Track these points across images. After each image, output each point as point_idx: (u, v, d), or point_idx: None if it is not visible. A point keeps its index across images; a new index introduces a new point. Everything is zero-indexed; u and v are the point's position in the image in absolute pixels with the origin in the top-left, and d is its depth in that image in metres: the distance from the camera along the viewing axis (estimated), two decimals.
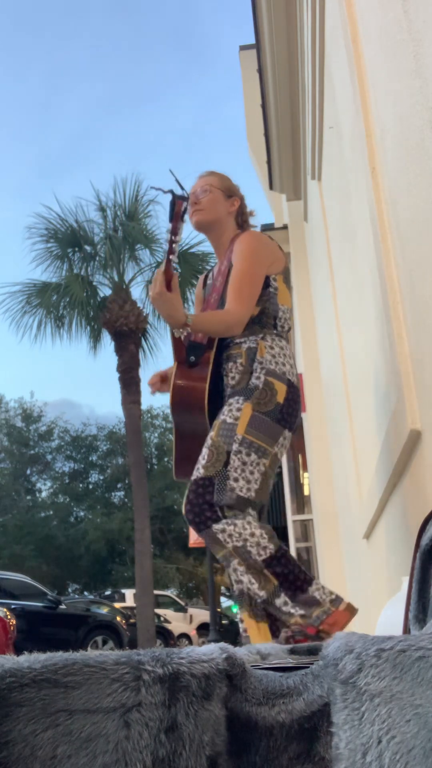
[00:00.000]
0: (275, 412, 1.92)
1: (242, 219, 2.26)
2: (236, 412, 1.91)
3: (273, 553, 1.79)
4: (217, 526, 1.82)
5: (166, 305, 1.88)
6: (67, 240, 11.77)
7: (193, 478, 1.89)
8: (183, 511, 1.91)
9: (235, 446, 1.86)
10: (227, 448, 1.87)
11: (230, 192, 2.22)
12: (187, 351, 2.07)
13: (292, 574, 1.79)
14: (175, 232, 1.86)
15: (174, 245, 1.89)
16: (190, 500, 1.87)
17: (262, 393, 1.93)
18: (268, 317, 2.04)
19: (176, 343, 2.08)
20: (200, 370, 2.04)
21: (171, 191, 1.84)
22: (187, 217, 1.90)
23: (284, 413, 1.93)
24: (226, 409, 1.94)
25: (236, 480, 1.84)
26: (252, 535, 1.80)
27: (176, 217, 1.83)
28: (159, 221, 12.41)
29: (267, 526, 1.85)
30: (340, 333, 3.63)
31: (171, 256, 1.89)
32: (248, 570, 1.79)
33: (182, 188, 1.86)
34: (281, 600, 1.76)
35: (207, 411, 2.00)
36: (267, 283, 2.06)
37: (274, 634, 1.78)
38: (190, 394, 2.02)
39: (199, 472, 1.88)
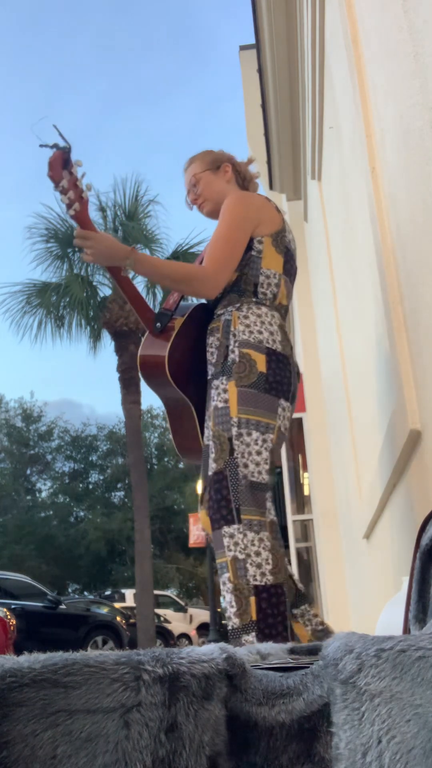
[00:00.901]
0: (261, 382, 1.78)
1: (243, 179, 2.14)
2: (224, 393, 1.79)
3: (269, 584, 1.64)
4: (227, 530, 1.70)
5: (100, 241, 1.76)
6: (67, 240, 11.77)
7: (209, 474, 1.80)
8: (204, 504, 1.80)
9: (234, 430, 1.75)
10: (228, 435, 1.75)
11: (216, 163, 2.10)
12: (154, 319, 1.95)
13: (274, 619, 1.63)
14: (55, 182, 1.76)
15: (63, 196, 1.77)
16: (211, 496, 1.75)
17: (239, 366, 1.79)
18: (247, 284, 1.89)
19: (140, 311, 1.94)
20: (165, 337, 1.91)
21: (55, 144, 1.77)
22: (75, 168, 1.78)
23: (272, 382, 1.79)
24: (213, 393, 1.83)
25: (246, 466, 1.72)
26: (257, 554, 1.67)
27: (51, 167, 1.76)
28: (159, 221, 12.44)
29: (281, 551, 1.71)
30: (340, 333, 3.63)
31: (69, 211, 1.78)
32: (234, 590, 1.65)
33: (65, 140, 1.77)
34: (249, 638, 1.61)
35: (185, 384, 1.89)
36: (250, 246, 1.90)
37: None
38: (155, 365, 1.89)
39: (212, 467, 1.78)
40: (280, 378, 1.82)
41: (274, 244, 1.94)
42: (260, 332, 1.83)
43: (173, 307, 1.97)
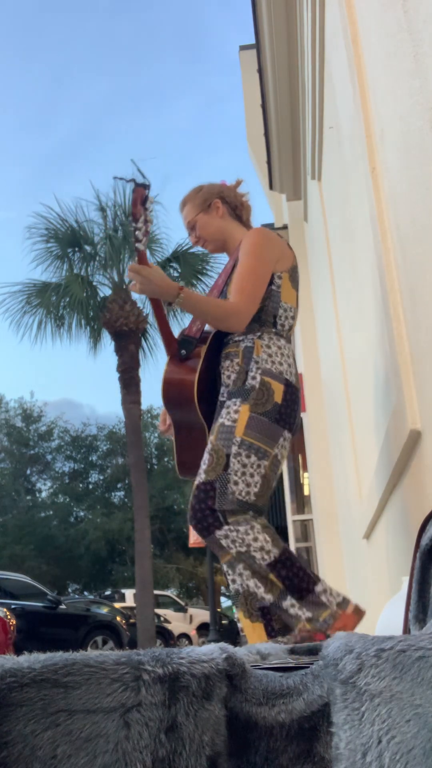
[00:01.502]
0: (273, 412, 1.88)
1: (235, 209, 2.19)
2: (234, 414, 1.88)
3: (277, 557, 1.77)
4: (219, 532, 1.80)
5: (152, 276, 1.85)
6: (67, 240, 11.77)
7: (195, 483, 1.87)
8: (188, 516, 1.89)
9: (234, 449, 1.83)
10: (227, 451, 1.84)
11: (207, 202, 2.17)
12: (179, 345, 2.04)
13: (297, 576, 1.77)
14: (135, 218, 1.88)
15: (137, 232, 1.89)
16: (193, 506, 1.85)
17: (258, 393, 1.89)
18: (267, 315, 1.99)
19: (167, 337, 2.05)
20: (191, 363, 2.01)
21: (133, 180, 1.87)
22: (149, 204, 1.89)
23: (282, 413, 1.90)
24: (224, 411, 1.91)
25: (236, 483, 1.81)
26: (255, 540, 1.77)
27: (135, 203, 1.87)
28: (159, 221, 12.43)
29: (271, 528, 1.83)
30: (340, 333, 3.63)
31: (137, 244, 1.89)
32: (253, 575, 1.77)
33: (144, 176, 1.89)
34: (288, 602, 1.74)
35: (198, 407, 1.97)
36: (271, 281, 2.01)
37: (270, 634, 1.77)
38: (179, 388, 1.98)
39: (200, 477, 1.86)
40: (290, 411, 1.92)
41: (291, 279, 2.07)
42: (281, 363, 1.95)
43: (197, 335, 2.07)
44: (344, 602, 1.77)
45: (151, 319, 12.00)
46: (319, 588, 1.77)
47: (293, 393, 1.94)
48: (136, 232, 1.89)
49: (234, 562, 1.79)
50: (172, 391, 2.00)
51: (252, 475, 1.83)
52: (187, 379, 1.98)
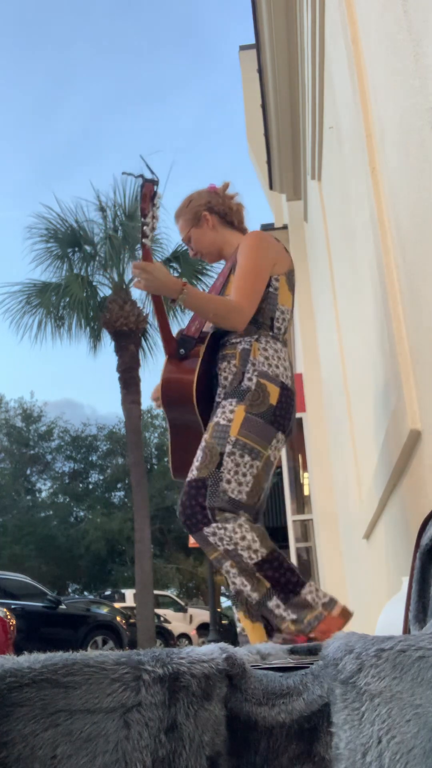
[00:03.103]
0: (268, 414, 1.89)
1: (225, 215, 2.19)
2: (229, 414, 1.89)
3: (264, 556, 1.77)
4: (207, 529, 1.81)
5: (156, 273, 1.86)
6: (67, 240, 11.77)
7: (186, 479, 1.89)
8: (177, 512, 1.90)
9: (228, 448, 1.85)
10: (220, 450, 1.85)
11: (197, 216, 2.18)
12: (177, 344, 2.05)
13: (284, 577, 1.77)
14: (143, 214, 1.88)
15: (145, 227, 1.88)
16: (183, 502, 1.86)
17: (254, 395, 1.90)
18: (264, 318, 2.01)
19: (166, 336, 2.06)
20: (190, 363, 2.02)
21: (141, 176, 1.86)
22: (158, 200, 1.89)
23: (277, 416, 1.91)
24: (219, 411, 1.92)
25: (228, 482, 1.83)
26: (243, 538, 1.78)
27: (144, 199, 1.86)
28: (159, 221, 12.39)
29: (260, 528, 1.84)
30: (340, 333, 3.63)
31: (144, 240, 1.89)
32: (241, 572, 1.78)
33: (152, 172, 1.88)
34: (273, 603, 1.75)
35: (197, 406, 1.98)
36: (268, 283, 2.02)
37: (270, 634, 1.77)
38: (179, 387, 1.99)
39: (192, 473, 1.87)
40: (284, 413, 1.94)
41: (288, 282, 2.08)
42: (277, 366, 1.96)
43: (196, 334, 2.07)
44: (330, 603, 1.77)
45: (151, 318, 12.01)
46: (305, 589, 1.77)
47: (288, 396, 1.96)
48: (144, 228, 1.88)
49: (221, 559, 1.80)
50: (171, 391, 2.01)
51: (244, 475, 1.84)
52: (186, 379, 1.99)
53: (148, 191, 1.86)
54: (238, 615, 1.83)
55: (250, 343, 1.98)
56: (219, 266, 2.36)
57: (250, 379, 1.93)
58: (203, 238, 2.18)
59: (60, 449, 27.63)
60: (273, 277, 2.03)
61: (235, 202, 2.24)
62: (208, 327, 2.12)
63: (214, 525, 1.80)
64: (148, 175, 1.87)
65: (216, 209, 2.18)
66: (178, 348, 2.04)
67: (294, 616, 1.73)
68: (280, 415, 1.92)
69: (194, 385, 1.97)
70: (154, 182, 1.86)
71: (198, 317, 2.10)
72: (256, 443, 1.87)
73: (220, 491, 1.82)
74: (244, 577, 1.77)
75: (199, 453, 1.89)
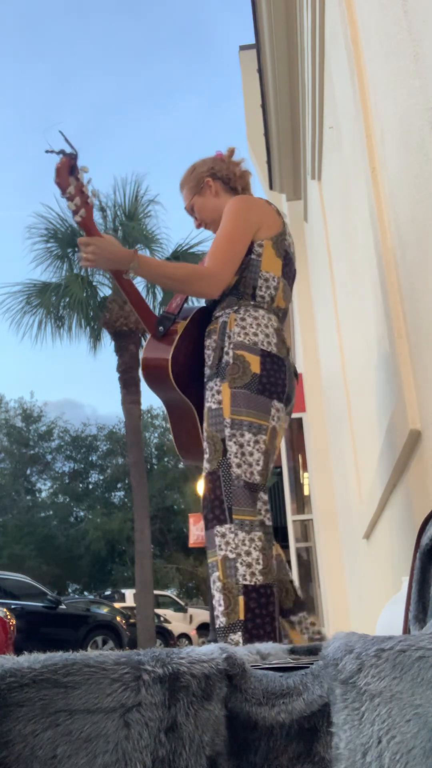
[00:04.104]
0: (254, 383, 1.78)
1: (229, 181, 2.11)
2: (217, 395, 1.80)
3: (258, 584, 1.64)
4: (219, 529, 1.71)
5: (101, 245, 1.76)
6: (67, 240, 11.76)
7: (204, 473, 1.82)
8: (201, 504, 1.81)
9: (227, 431, 1.76)
10: (221, 436, 1.76)
11: (200, 183, 2.09)
12: (156, 322, 1.96)
13: (262, 619, 1.62)
14: (62, 188, 1.79)
15: (69, 203, 1.79)
16: (205, 495, 1.77)
17: (233, 368, 1.80)
18: (246, 287, 1.89)
19: (143, 314, 1.96)
20: (168, 341, 1.93)
21: (62, 151, 1.79)
22: (82, 174, 1.80)
23: (264, 383, 1.79)
24: (208, 394, 1.84)
25: (239, 466, 1.73)
26: (248, 554, 1.67)
27: (58, 173, 1.78)
28: (159, 221, 12.43)
29: (271, 553, 1.72)
30: (340, 333, 3.63)
31: (75, 217, 1.80)
32: (223, 588, 1.66)
33: (72, 147, 1.80)
34: (235, 638, 1.61)
35: (176, 384, 1.89)
36: (250, 249, 1.90)
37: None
38: (156, 369, 1.91)
39: (206, 467, 1.79)
40: (274, 379, 1.82)
41: (275, 247, 1.94)
42: (255, 334, 1.84)
43: (176, 310, 1.98)
44: None
45: None
46: (286, 647, 1.66)
47: (274, 362, 1.83)
48: (69, 203, 1.78)
49: (214, 567, 1.70)
50: (149, 371, 1.92)
51: (251, 453, 1.75)
52: (162, 358, 1.90)
53: (63, 165, 1.77)
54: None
55: (228, 316, 1.88)
56: None
57: (227, 353, 1.83)
58: (206, 206, 2.09)
59: (60, 449, 27.65)
60: (256, 242, 1.91)
61: (240, 168, 2.15)
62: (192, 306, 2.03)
63: (227, 526, 1.70)
64: (69, 150, 1.79)
65: (219, 175, 2.11)
66: (156, 326, 1.95)
67: None
68: (269, 383, 1.80)
69: (169, 363, 1.88)
70: (72, 156, 1.78)
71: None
72: (253, 417, 1.77)
73: (233, 479, 1.72)
74: (223, 595, 1.66)
75: (205, 445, 1.81)
